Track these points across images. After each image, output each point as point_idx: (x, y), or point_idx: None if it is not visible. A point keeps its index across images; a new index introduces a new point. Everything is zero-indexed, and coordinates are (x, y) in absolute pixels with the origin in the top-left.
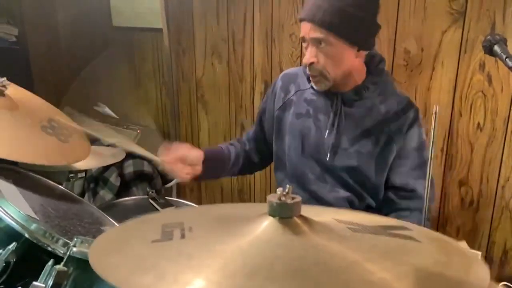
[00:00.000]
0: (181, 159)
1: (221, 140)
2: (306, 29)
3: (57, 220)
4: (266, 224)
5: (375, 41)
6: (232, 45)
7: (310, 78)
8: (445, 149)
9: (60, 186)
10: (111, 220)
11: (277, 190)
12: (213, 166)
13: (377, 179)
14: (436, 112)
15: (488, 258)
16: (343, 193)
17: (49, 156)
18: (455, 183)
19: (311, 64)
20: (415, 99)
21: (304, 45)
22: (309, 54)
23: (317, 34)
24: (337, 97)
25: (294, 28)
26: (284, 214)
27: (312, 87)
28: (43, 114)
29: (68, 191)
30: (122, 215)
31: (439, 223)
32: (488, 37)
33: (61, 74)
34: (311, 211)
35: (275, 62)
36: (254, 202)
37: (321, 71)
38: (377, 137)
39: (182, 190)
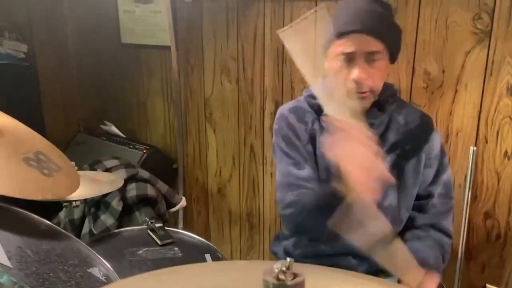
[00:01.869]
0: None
1: (230, 160)
2: (361, 43)
3: (35, 265)
4: None
5: None
6: (242, 64)
7: (356, 95)
8: (469, 177)
9: (46, 221)
10: (101, 258)
11: (275, 265)
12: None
13: (413, 193)
14: (473, 153)
15: None
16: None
17: (24, 190)
18: (480, 215)
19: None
20: (436, 124)
21: (341, 64)
22: (363, 71)
23: (376, 46)
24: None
25: None
26: None
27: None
28: (30, 146)
29: (55, 226)
30: (118, 249)
31: (463, 259)
32: None
33: (70, 91)
34: (318, 284)
35: (286, 82)
36: (264, 225)
37: (373, 87)
38: (403, 149)
39: (189, 214)
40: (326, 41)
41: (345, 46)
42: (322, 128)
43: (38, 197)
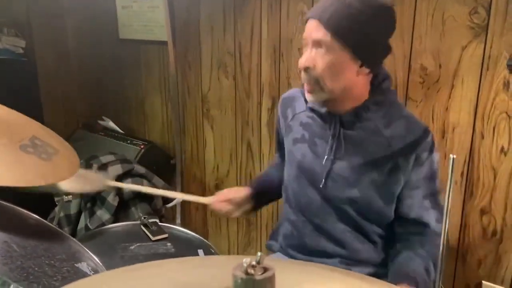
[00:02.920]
0: (227, 202)
1: (227, 156)
2: (310, 29)
3: (20, 260)
4: None
5: (382, 62)
6: (239, 60)
7: (304, 88)
8: (465, 174)
9: (35, 216)
10: (90, 253)
11: (244, 260)
12: (262, 197)
13: (384, 211)
14: (453, 160)
15: None
16: (345, 227)
17: (26, 178)
18: (477, 212)
19: (307, 69)
20: (432, 120)
21: (304, 50)
22: (306, 58)
23: (321, 35)
24: (335, 118)
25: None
26: None
27: (309, 108)
28: (25, 132)
29: (44, 221)
30: (110, 244)
31: (459, 255)
32: None
33: (69, 87)
34: (290, 278)
35: (283, 78)
36: (261, 221)
37: (317, 79)
38: (381, 164)
39: (186, 210)
40: None
41: (304, 32)
42: (294, 125)
43: (41, 182)
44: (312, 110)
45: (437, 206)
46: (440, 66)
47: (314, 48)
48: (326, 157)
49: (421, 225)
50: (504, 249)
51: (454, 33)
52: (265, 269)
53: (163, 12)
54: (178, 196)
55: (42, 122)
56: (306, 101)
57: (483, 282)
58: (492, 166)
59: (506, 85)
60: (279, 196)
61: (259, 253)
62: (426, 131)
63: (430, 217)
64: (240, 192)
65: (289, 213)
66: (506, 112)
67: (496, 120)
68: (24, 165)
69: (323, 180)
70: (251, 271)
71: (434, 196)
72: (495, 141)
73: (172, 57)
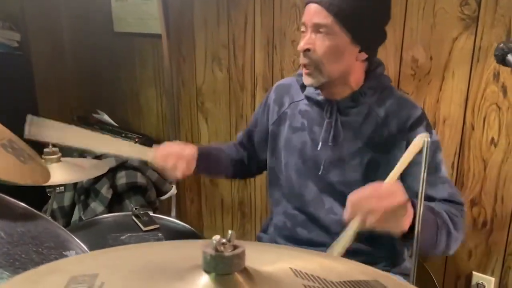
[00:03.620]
0: (173, 156)
1: None
2: (310, 13)
3: (7, 246)
4: (200, 284)
5: (377, 49)
6: (233, 52)
7: (302, 70)
8: (456, 165)
9: (23, 204)
10: (79, 242)
11: (214, 237)
12: (207, 164)
13: None
14: (427, 142)
15: (502, 285)
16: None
17: (8, 173)
18: (467, 203)
19: (306, 51)
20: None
21: (302, 34)
22: (307, 40)
23: (322, 19)
24: (331, 105)
25: (296, 35)
26: (222, 270)
27: (306, 97)
28: (3, 134)
29: (32, 209)
30: (101, 234)
31: None
32: (501, 45)
33: (63, 80)
34: (265, 258)
35: (276, 70)
36: (255, 214)
37: (316, 61)
38: (379, 143)
39: (182, 203)
40: None
41: (303, 16)
42: (292, 113)
43: (20, 181)
44: (308, 98)
45: (441, 180)
46: (431, 58)
47: (314, 31)
48: (322, 143)
49: (426, 200)
50: (494, 240)
51: (445, 25)
52: (235, 247)
53: (157, 5)
54: (117, 148)
55: (37, 115)
56: (302, 89)
57: (474, 272)
58: (482, 157)
59: (496, 76)
60: (221, 174)
61: (230, 231)
62: (417, 107)
63: (434, 191)
64: (185, 148)
65: (281, 202)
66: (496, 104)
67: (486, 111)
68: (6, 161)
69: (322, 166)
70: (221, 248)
71: (436, 171)
72: (485, 133)
73: (166, 50)
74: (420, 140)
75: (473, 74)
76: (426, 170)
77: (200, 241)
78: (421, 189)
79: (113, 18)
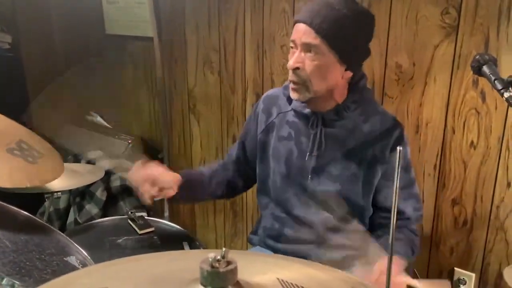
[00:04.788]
0: (151, 180)
1: (213, 150)
2: (300, 33)
3: (12, 255)
4: None
5: (362, 65)
6: (224, 56)
7: (290, 86)
8: (438, 167)
9: (25, 212)
10: (78, 247)
11: (210, 254)
12: (190, 191)
13: (364, 202)
14: (399, 152)
15: (482, 281)
16: (327, 218)
17: (12, 179)
18: (448, 202)
19: (296, 69)
20: (407, 115)
21: (291, 50)
22: (296, 59)
23: (311, 39)
24: (317, 117)
25: (285, 40)
26: (217, 284)
27: (293, 109)
28: (12, 136)
29: (33, 217)
30: (98, 238)
31: (432, 243)
32: (477, 57)
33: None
34: (255, 269)
35: (266, 74)
36: (246, 213)
37: (305, 80)
38: (361, 158)
39: (175, 203)
40: None
41: (292, 34)
42: (280, 123)
43: (27, 184)
44: (295, 111)
45: (413, 196)
46: (414, 64)
47: (304, 50)
48: (308, 153)
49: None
50: (474, 238)
51: (427, 32)
52: (229, 263)
53: (148, 9)
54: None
55: (29, 117)
56: (288, 101)
57: (455, 268)
58: (463, 159)
59: (475, 82)
60: (205, 198)
61: (223, 249)
62: (398, 125)
63: (405, 206)
64: (167, 174)
65: (269, 206)
66: (475, 109)
67: (466, 116)
68: (11, 167)
69: (309, 175)
70: (216, 264)
71: (409, 187)
72: (465, 136)
73: (158, 53)
74: None
75: (454, 80)
76: (398, 179)
77: (195, 252)
78: (394, 198)
79: (104, 20)
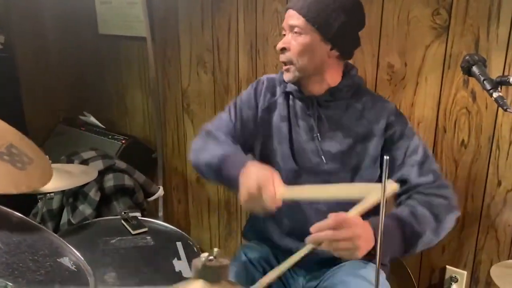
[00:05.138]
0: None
1: None
2: (288, 17)
3: (5, 256)
4: None
5: (352, 52)
6: (217, 55)
7: (282, 68)
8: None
9: (18, 214)
10: (72, 248)
11: (203, 254)
12: None
13: (368, 175)
14: (387, 161)
15: (473, 278)
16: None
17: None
18: None
19: (283, 49)
20: None
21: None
22: (283, 40)
23: (295, 20)
24: (312, 101)
25: (278, 40)
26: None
27: (290, 93)
28: (2, 140)
29: (26, 218)
30: (92, 238)
31: None
32: (467, 57)
33: (49, 82)
34: None
35: (260, 74)
36: (241, 213)
37: (291, 58)
38: (359, 134)
39: (169, 203)
40: None
41: (284, 22)
42: (282, 103)
43: (13, 191)
44: (292, 94)
45: (416, 162)
46: (405, 64)
47: (291, 33)
48: (310, 136)
49: (404, 183)
50: (465, 236)
51: (418, 33)
52: (221, 262)
53: (141, 9)
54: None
55: (23, 118)
56: (285, 85)
57: (447, 266)
58: (454, 158)
59: (465, 82)
60: None
61: (215, 249)
62: (389, 102)
63: (410, 172)
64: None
65: None
66: (466, 108)
67: (457, 115)
68: None
69: (315, 157)
70: (208, 264)
71: (413, 153)
72: (456, 135)
73: (151, 53)
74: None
75: (445, 80)
76: (385, 186)
77: None
78: (382, 202)
79: (97, 21)
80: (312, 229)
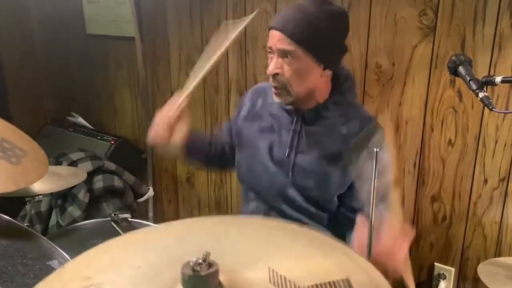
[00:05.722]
0: (166, 121)
1: None
2: (274, 39)
3: None
4: None
5: (341, 62)
6: None
7: (272, 90)
8: (417, 164)
9: (6, 217)
10: (61, 251)
11: (191, 259)
12: (196, 145)
13: (334, 200)
14: (376, 152)
15: (461, 275)
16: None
17: None
18: (428, 199)
19: (275, 75)
20: (387, 114)
21: (269, 55)
22: (274, 65)
23: (285, 45)
24: (297, 115)
25: (267, 40)
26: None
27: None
28: None
29: (15, 221)
30: (81, 241)
31: (412, 239)
32: (453, 58)
33: (36, 82)
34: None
35: (249, 74)
36: (232, 212)
37: (285, 84)
38: (336, 158)
39: (159, 203)
40: None
41: (268, 40)
42: (263, 114)
43: (12, 188)
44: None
45: (384, 200)
46: (393, 64)
47: (281, 56)
48: (288, 149)
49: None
50: (453, 233)
51: (405, 33)
52: (210, 265)
53: (129, 8)
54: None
55: (10, 119)
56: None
57: (435, 263)
58: (441, 156)
59: (452, 82)
60: (206, 160)
61: (204, 252)
62: (377, 129)
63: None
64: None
65: (246, 192)
66: (453, 107)
67: (444, 114)
68: None
69: (287, 170)
70: (197, 268)
71: (381, 192)
72: (444, 134)
73: (140, 52)
74: None
75: (432, 80)
76: (375, 178)
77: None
78: (372, 197)
79: (85, 20)
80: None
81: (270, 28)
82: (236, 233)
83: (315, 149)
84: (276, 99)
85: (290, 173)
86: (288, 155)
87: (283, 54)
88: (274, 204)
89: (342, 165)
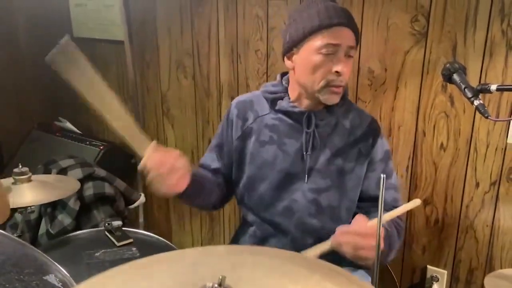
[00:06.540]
0: (167, 165)
1: (188, 155)
2: (344, 36)
3: None
4: None
5: None
6: (198, 60)
7: (332, 90)
8: (410, 168)
9: (1, 231)
10: (57, 265)
11: (207, 284)
12: (197, 184)
13: (353, 195)
14: (383, 179)
15: (454, 277)
16: (309, 223)
17: None
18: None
19: (338, 73)
20: (380, 119)
21: (327, 56)
22: (344, 63)
23: (352, 42)
24: (309, 116)
25: (259, 44)
26: None
27: (279, 111)
28: None
29: (10, 235)
30: (75, 252)
31: (405, 242)
32: (448, 65)
33: (22, 87)
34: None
35: (241, 78)
36: (223, 216)
37: (345, 83)
38: (347, 152)
39: (150, 209)
40: (297, 37)
41: (331, 38)
42: (258, 128)
43: None
44: (278, 111)
45: (391, 186)
46: (385, 69)
47: (345, 53)
48: (305, 153)
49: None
50: (445, 236)
51: (397, 38)
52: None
53: (118, 11)
54: (122, 123)
55: None
56: (271, 104)
57: (428, 266)
58: (433, 161)
59: (444, 87)
60: (205, 199)
61: (220, 276)
62: (374, 119)
63: (386, 196)
64: (179, 159)
65: (247, 213)
66: (445, 112)
67: (436, 119)
68: None
69: (306, 175)
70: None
71: (388, 177)
72: (436, 138)
73: (129, 56)
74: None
75: (424, 85)
76: (383, 202)
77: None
78: (380, 212)
79: (72, 24)
80: (339, 229)
81: (334, 25)
82: (252, 262)
83: (327, 148)
84: (333, 100)
85: (306, 176)
86: (304, 159)
87: (349, 51)
88: (278, 222)
89: (355, 157)
